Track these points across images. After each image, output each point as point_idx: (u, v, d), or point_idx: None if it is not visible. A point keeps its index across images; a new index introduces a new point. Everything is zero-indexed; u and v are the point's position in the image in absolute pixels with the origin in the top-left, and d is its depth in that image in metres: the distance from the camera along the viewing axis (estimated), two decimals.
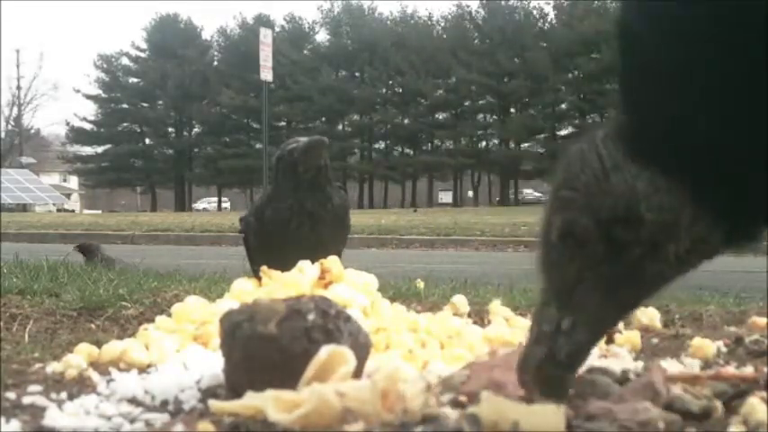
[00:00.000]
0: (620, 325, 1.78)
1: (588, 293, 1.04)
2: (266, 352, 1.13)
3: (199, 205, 50.49)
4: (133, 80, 51.65)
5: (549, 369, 1.03)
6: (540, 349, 1.04)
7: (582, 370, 1.27)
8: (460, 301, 1.98)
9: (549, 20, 47.23)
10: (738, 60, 0.94)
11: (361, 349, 1.17)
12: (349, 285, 1.78)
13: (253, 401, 1.03)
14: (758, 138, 0.95)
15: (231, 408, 1.05)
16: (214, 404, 1.07)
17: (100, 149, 50.92)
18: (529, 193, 53.06)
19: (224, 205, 51.07)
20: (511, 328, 1.71)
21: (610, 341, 1.67)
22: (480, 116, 48.06)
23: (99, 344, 1.52)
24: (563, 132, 45.34)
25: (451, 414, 1.01)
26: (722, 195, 0.99)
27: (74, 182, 57.95)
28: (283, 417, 0.98)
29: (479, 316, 1.96)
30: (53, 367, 1.36)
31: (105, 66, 51.13)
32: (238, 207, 45.24)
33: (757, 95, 0.93)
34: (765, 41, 0.92)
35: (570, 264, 1.04)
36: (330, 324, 1.14)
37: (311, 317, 1.14)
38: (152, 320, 1.75)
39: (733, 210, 1.00)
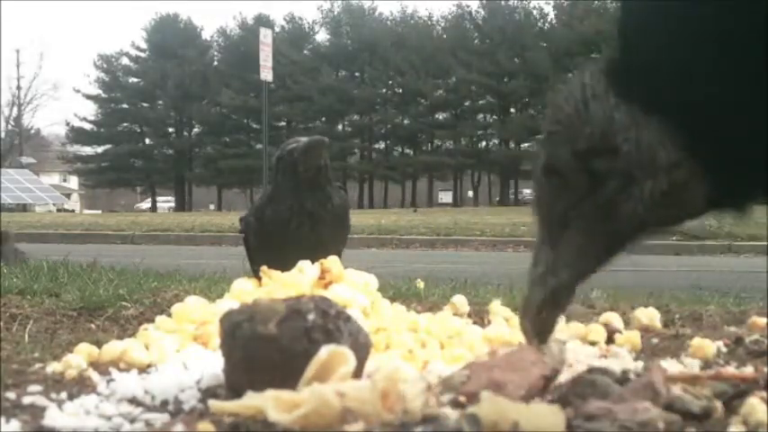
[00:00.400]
0: (620, 325, 1.78)
1: (574, 234, 1.04)
2: (266, 352, 1.13)
3: (142, 205, 50.26)
4: (133, 80, 51.62)
5: (539, 308, 1.05)
6: (538, 291, 1.05)
7: (582, 370, 1.27)
8: (460, 301, 1.98)
9: (549, 20, 47.22)
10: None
11: (362, 349, 1.17)
12: (349, 285, 1.78)
13: (253, 401, 1.03)
14: (756, 95, 0.94)
15: (231, 408, 1.05)
16: (214, 404, 1.07)
17: (100, 149, 50.89)
18: (529, 193, 52.92)
19: (163, 204, 50.31)
20: (511, 328, 1.70)
21: (610, 341, 1.67)
22: (480, 116, 48.02)
23: (99, 344, 1.52)
24: None
25: (451, 414, 1.01)
26: (705, 143, 0.98)
27: (74, 182, 57.94)
28: (283, 417, 0.98)
29: (479, 316, 1.96)
30: (53, 367, 1.36)
31: (105, 66, 51.12)
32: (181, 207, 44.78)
33: (757, 44, 0.92)
34: None
35: (556, 201, 1.04)
36: (330, 324, 1.14)
37: (311, 317, 1.14)
38: (152, 320, 1.75)
39: (718, 163, 0.99)
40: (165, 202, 51.89)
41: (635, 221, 1.03)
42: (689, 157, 0.99)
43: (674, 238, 10.38)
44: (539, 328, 1.09)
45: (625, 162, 0.99)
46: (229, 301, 1.70)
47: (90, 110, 54.44)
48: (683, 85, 0.97)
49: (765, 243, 8.86)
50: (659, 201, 1.01)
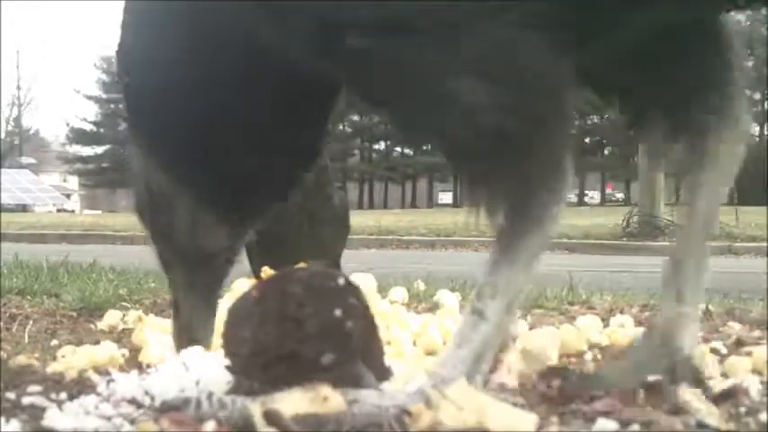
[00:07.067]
0: (620, 325, 1.77)
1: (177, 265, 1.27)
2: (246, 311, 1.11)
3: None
4: None
5: (184, 336, 1.27)
6: (175, 323, 1.29)
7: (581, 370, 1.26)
8: (448, 299, 1.98)
9: None
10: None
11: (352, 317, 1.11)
12: None
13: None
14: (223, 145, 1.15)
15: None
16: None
17: (100, 150, 50.91)
18: None
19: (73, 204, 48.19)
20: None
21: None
22: None
23: (99, 344, 1.52)
24: None
25: None
26: (190, 182, 1.20)
27: (74, 182, 57.94)
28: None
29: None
30: (53, 367, 1.36)
31: (106, 66, 51.11)
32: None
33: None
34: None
35: (162, 237, 1.27)
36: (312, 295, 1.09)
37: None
38: None
39: (207, 196, 1.21)
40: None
41: (198, 253, 1.25)
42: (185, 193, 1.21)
43: (674, 239, 10.36)
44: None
45: (160, 202, 1.24)
46: (229, 302, 1.70)
47: (90, 110, 54.49)
48: (164, 132, 1.18)
49: (765, 244, 8.85)
50: (193, 231, 1.23)
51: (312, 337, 1.03)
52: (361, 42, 0.96)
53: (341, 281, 1.08)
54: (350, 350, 1.04)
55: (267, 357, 1.04)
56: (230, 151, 1.16)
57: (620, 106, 1.22)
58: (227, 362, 1.11)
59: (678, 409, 1.02)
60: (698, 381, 1.02)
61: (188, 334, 1.28)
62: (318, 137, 1.26)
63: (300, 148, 1.22)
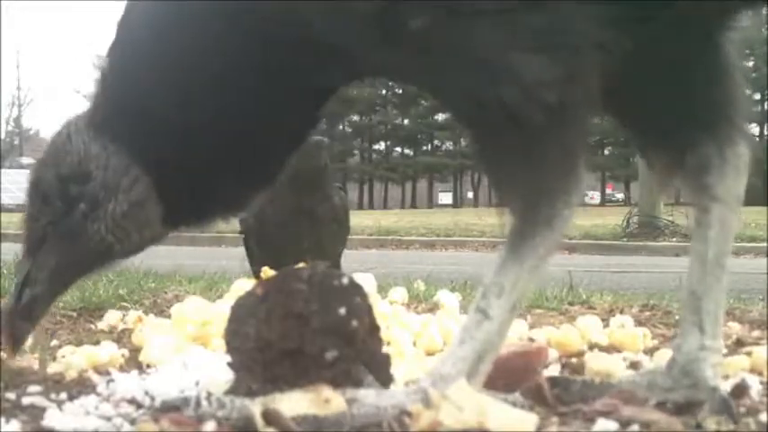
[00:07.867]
0: (620, 325, 1.77)
1: (49, 251, 1.17)
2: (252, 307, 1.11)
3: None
4: None
5: (12, 318, 1.16)
6: (10, 299, 1.18)
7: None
8: (448, 299, 1.98)
9: None
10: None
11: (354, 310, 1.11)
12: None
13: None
14: (205, 126, 1.10)
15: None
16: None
17: None
18: None
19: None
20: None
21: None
22: None
23: (99, 344, 1.52)
24: None
25: None
26: (158, 167, 1.13)
27: None
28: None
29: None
30: (53, 368, 1.36)
31: None
32: None
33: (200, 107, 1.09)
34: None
35: (38, 218, 1.18)
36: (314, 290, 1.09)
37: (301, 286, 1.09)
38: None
39: (170, 183, 1.14)
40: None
41: (101, 244, 1.16)
42: (146, 175, 1.13)
43: (674, 239, 10.36)
44: (12, 338, 1.18)
45: (94, 186, 1.14)
46: (229, 302, 1.70)
47: None
48: (142, 115, 1.12)
49: (765, 244, 8.85)
50: (120, 222, 1.14)
51: (317, 333, 1.03)
52: (422, 23, 0.96)
53: (345, 280, 1.08)
54: (353, 348, 1.04)
55: (271, 353, 1.04)
56: (195, 149, 1.12)
57: (628, 137, 1.22)
58: (230, 358, 1.11)
59: (678, 410, 1.02)
60: (732, 414, 0.99)
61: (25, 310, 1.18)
62: (277, 165, 1.22)
63: (256, 172, 1.19)
